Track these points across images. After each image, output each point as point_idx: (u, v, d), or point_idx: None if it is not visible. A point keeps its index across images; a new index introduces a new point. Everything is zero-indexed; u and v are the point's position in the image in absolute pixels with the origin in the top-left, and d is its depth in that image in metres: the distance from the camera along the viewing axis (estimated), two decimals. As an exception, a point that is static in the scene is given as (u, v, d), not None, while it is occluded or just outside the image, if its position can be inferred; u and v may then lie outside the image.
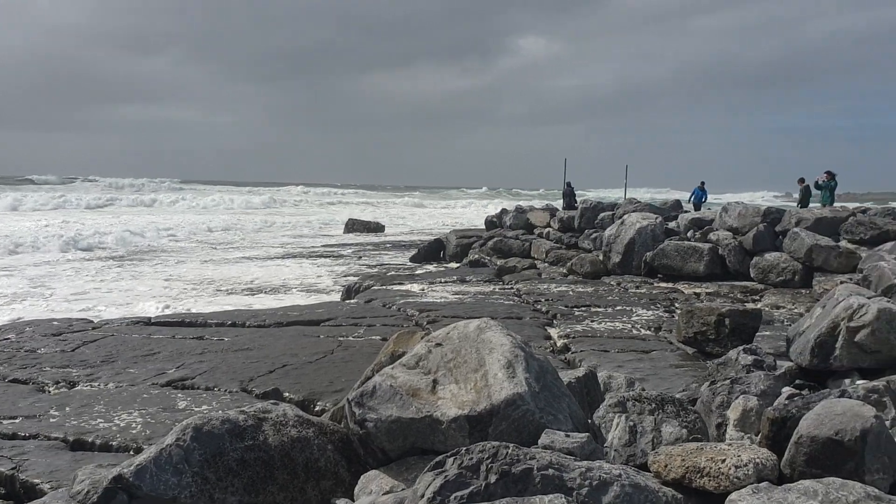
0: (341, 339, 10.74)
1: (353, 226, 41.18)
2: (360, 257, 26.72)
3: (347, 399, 4.27)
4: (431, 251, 26.12)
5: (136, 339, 10.64)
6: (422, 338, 5.20)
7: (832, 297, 6.52)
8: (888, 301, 5.90)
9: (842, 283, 10.96)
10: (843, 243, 15.94)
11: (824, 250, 15.40)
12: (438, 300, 14.54)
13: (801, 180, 27.23)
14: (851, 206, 22.33)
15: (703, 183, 32.04)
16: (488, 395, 4.06)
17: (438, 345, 4.54)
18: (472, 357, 4.34)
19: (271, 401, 4.75)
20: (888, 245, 14.47)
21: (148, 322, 12.11)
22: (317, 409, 7.57)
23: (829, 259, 15.29)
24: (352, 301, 15.47)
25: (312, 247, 31.49)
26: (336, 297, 17.51)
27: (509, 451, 3.23)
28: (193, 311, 14.42)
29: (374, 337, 10.76)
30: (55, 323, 11.80)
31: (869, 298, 5.86)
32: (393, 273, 20.36)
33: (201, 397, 7.89)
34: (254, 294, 18.32)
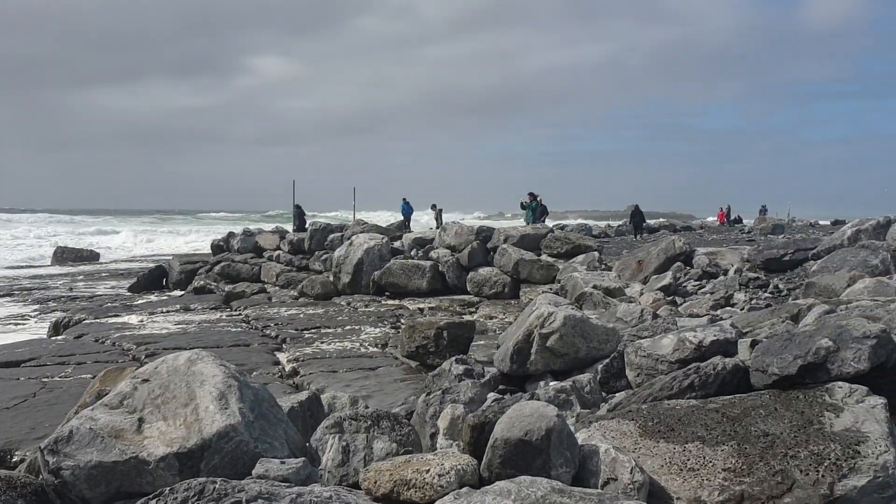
0: (46, 379, 9.80)
1: (63, 255, 37.64)
2: (72, 289, 24.49)
3: (40, 447, 3.91)
4: (153, 279, 24.65)
5: None
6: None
7: (532, 306, 7.17)
8: (573, 308, 6.62)
9: (543, 292, 12.08)
10: (544, 257, 17.62)
11: (528, 264, 16.91)
12: (159, 331, 13.80)
13: (434, 206, 32.54)
14: (551, 223, 24.76)
15: (405, 198, 33.87)
16: (199, 429, 3.94)
17: (145, 381, 4.32)
18: (182, 391, 4.19)
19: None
20: (580, 257, 16.27)
21: None
22: (15, 459, 6.86)
23: (532, 271, 16.81)
24: (59, 337, 14.20)
25: (15, 279, 28.31)
26: (42, 333, 15.92)
27: (217, 486, 3.16)
28: None
29: (84, 376, 9.95)
30: None
31: (558, 306, 6.52)
32: (108, 304, 18.98)
33: None
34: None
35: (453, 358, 7.02)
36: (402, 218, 32.13)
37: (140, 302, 19.61)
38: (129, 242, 53.99)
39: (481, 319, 14.35)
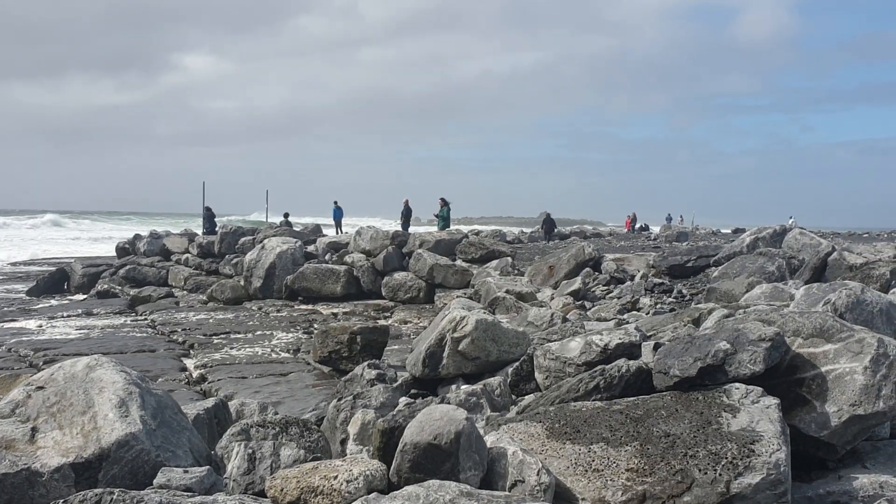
0: (-68, 389, 9.24)
1: (-47, 256, 35.65)
2: (-36, 293, 23.21)
3: (-79, 461, 3.69)
4: (54, 282, 23.59)
5: None
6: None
7: (446, 311, 7.20)
8: (485, 312, 6.69)
9: (458, 297, 12.16)
10: (458, 262, 17.75)
11: (443, 269, 17.02)
12: (59, 337, 13.24)
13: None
14: (467, 228, 24.92)
15: (336, 201, 33.58)
16: (97, 438, 3.79)
17: (40, 388, 4.13)
18: (80, 399, 4.03)
19: None
20: (494, 262, 16.48)
21: None
22: None
23: (447, 276, 16.93)
24: (-51, 344, 13.41)
25: None
26: (-72, 340, 15.00)
27: (114, 496, 3.05)
28: None
29: (-25, 384, 9.43)
30: None
31: (470, 311, 6.57)
32: (5, 308, 18.08)
33: None
34: None
35: (366, 363, 6.99)
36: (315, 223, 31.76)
37: (39, 306, 18.77)
38: (34, 243, 51.30)
39: (396, 324, 14.33)
